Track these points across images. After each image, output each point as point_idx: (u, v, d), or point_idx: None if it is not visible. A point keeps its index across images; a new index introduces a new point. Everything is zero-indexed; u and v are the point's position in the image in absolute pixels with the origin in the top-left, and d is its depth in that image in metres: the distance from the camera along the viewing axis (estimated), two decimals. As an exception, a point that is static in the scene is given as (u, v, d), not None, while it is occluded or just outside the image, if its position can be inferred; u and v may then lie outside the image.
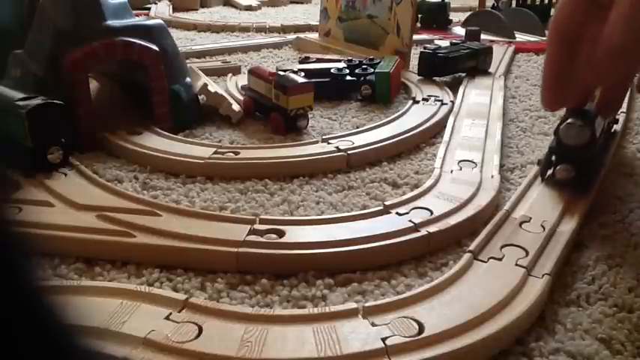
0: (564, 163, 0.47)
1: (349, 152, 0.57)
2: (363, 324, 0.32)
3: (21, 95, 0.52)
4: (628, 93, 0.73)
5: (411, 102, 0.73)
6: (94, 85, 0.70)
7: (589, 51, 0.39)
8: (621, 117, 0.66)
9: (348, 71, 0.78)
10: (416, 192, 0.48)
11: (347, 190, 0.52)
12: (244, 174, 0.54)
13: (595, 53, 0.36)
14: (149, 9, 1.51)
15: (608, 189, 0.51)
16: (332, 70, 0.78)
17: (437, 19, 1.37)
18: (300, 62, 0.87)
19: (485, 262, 0.38)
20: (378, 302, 0.34)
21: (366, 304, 0.34)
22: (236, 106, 0.69)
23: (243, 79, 0.79)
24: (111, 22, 0.61)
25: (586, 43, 0.39)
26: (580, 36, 0.39)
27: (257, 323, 0.32)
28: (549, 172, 0.49)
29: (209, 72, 0.82)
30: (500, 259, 0.38)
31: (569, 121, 0.45)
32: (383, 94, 0.76)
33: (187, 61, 0.80)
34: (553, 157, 0.48)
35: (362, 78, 0.77)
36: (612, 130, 0.60)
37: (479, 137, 0.60)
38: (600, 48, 0.35)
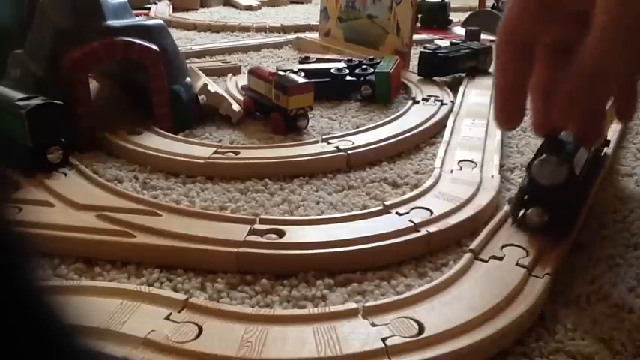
0: (537, 206, 0.39)
1: (349, 152, 0.57)
2: (363, 324, 0.32)
3: (21, 95, 0.52)
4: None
5: (411, 102, 0.73)
6: (94, 85, 0.70)
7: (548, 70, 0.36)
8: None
9: (348, 71, 0.78)
10: (416, 192, 0.48)
11: (347, 190, 0.52)
12: (244, 174, 0.54)
13: (566, 79, 0.32)
14: (149, 9, 1.51)
15: (608, 189, 0.51)
16: (332, 70, 0.78)
17: (437, 19, 1.37)
18: (300, 62, 0.87)
19: (486, 261, 0.38)
20: (378, 302, 0.34)
21: (366, 304, 0.34)
22: (236, 106, 0.69)
23: (243, 79, 0.79)
24: (111, 22, 0.61)
25: (540, 49, 0.35)
26: (532, 43, 0.34)
27: (257, 323, 0.32)
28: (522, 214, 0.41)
29: (209, 72, 0.82)
30: (500, 259, 0.38)
31: (542, 157, 0.38)
32: (383, 94, 0.76)
33: (187, 61, 0.80)
34: (526, 197, 0.41)
35: (362, 78, 0.77)
36: (602, 154, 0.54)
37: (479, 137, 0.60)
38: (574, 73, 0.31)
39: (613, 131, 0.60)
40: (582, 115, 0.34)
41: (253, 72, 0.69)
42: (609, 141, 0.55)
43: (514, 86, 0.35)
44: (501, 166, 0.56)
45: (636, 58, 0.31)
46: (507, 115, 0.36)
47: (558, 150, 0.39)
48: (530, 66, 0.35)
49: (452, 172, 0.52)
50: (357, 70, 0.78)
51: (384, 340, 0.31)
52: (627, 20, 0.29)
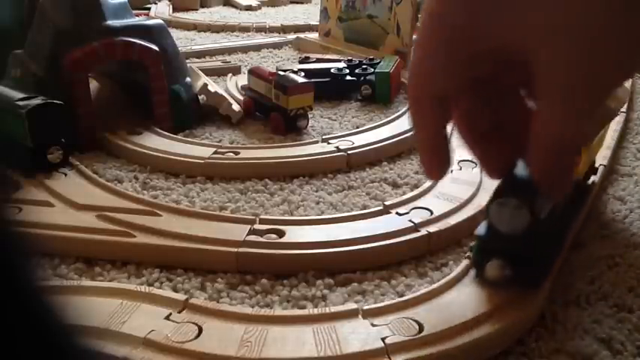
0: (496, 257, 0.34)
1: (349, 152, 0.57)
2: (363, 324, 0.32)
3: (21, 95, 0.52)
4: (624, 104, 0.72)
5: (411, 102, 0.73)
6: (94, 85, 0.70)
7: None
8: (621, 117, 0.66)
9: (348, 71, 0.78)
10: (416, 192, 0.48)
11: (347, 190, 0.52)
12: (244, 174, 0.54)
13: (527, 146, 0.28)
14: (149, 9, 1.51)
15: (608, 189, 0.51)
16: (332, 70, 0.78)
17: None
18: (300, 62, 0.87)
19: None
20: (378, 305, 0.34)
21: (365, 307, 0.34)
22: (236, 106, 0.69)
23: (243, 79, 0.79)
24: (111, 22, 0.61)
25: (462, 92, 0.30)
26: (449, 93, 0.29)
27: (257, 323, 0.32)
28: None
29: (209, 72, 0.82)
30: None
31: (500, 199, 0.32)
32: (383, 94, 0.76)
33: (187, 61, 0.80)
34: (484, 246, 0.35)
35: (362, 78, 0.77)
36: (590, 182, 0.48)
37: (479, 137, 0.60)
38: (534, 143, 0.27)
39: (607, 147, 0.56)
40: (551, 177, 0.29)
41: (253, 72, 0.69)
42: (597, 168, 0.48)
43: (437, 137, 0.30)
44: (501, 166, 0.55)
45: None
46: (437, 166, 0.31)
47: (518, 189, 0.32)
48: (447, 111, 0.30)
49: (452, 172, 0.52)
50: (357, 70, 0.78)
51: (383, 339, 0.31)
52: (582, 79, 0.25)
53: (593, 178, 0.48)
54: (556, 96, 0.26)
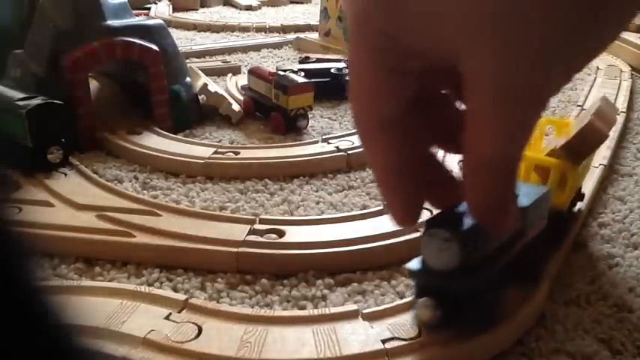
0: (427, 296, 0.30)
1: (349, 152, 0.57)
2: (362, 325, 0.32)
3: (21, 95, 0.52)
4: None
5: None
6: (94, 85, 0.70)
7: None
8: (621, 117, 0.66)
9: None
10: (416, 192, 0.48)
11: (347, 190, 0.52)
12: (244, 174, 0.54)
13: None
14: (149, 9, 1.51)
15: (608, 189, 0.51)
16: (332, 70, 0.78)
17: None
18: (300, 62, 0.87)
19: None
20: (378, 308, 0.34)
21: (365, 311, 0.33)
22: (236, 106, 0.69)
23: (243, 79, 0.79)
24: (111, 22, 0.61)
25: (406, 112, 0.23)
26: (397, 115, 0.23)
27: (257, 324, 0.32)
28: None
29: (209, 72, 0.82)
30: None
31: (431, 230, 0.28)
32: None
33: (187, 61, 0.80)
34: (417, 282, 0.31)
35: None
36: (577, 209, 0.43)
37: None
38: (464, 166, 0.22)
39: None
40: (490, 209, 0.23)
41: (253, 72, 0.69)
42: (584, 194, 0.44)
43: (398, 168, 0.24)
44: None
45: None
46: (403, 205, 0.25)
47: (452, 218, 0.27)
48: (406, 139, 0.24)
49: (452, 172, 0.52)
50: (357, 70, 0.78)
51: (383, 341, 0.31)
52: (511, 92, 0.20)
53: (579, 205, 0.44)
54: (485, 106, 0.20)
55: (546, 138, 0.45)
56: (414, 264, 0.30)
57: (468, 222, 0.27)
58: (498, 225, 0.23)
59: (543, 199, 0.33)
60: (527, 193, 0.32)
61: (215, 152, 0.57)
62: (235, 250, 0.40)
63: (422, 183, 0.25)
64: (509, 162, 0.22)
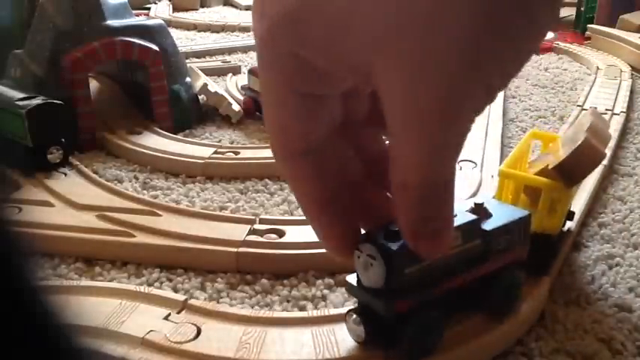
0: (358, 312, 0.29)
1: (349, 152, 0.57)
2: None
3: (21, 95, 0.52)
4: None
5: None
6: (94, 85, 0.70)
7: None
8: (621, 117, 0.66)
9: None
10: (416, 192, 0.48)
11: (347, 190, 0.52)
12: (244, 174, 0.54)
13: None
14: (149, 9, 1.51)
15: (608, 189, 0.51)
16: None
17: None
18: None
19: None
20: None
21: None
22: (236, 106, 0.69)
23: (243, 79, 0.79)
24: (111, 22, 0.61)
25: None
26: (316, 143, 0.21)
27: (256, 325, 0.32)
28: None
29: (209, 72, 0.82)
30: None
31: (358, 245, 0.26)
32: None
33: (187, 61, 0.80)
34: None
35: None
36: (566, 229, 0.41)
37: (479, 137, 0.60)
38: (392, 188, 0.20)
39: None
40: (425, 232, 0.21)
41: (253, 72, 0.69)
42: (574, 213, 0.41)
43: (328, 199, 0.22)
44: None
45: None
46: (335, 239, 0.23)
47: (382, 234, 0.25)
48: (330, 170, 0.22)
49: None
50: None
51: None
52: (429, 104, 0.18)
53: (568, 225, 0.41)
54: (398, 127, 0.19)
55: (533, 154, 0.43)
56: (353, 277, 0.28)
57: (398, 238, 0.25)
58: (428, 249, 0.21)
59: (517, 223, 0.30)
60: (500, 214, 0.30)
61: (215, 152, 0.57)
62: (235, 250, 0.40)
63: (354, 208, 0.23)
64: (436, 185, 0.20)
